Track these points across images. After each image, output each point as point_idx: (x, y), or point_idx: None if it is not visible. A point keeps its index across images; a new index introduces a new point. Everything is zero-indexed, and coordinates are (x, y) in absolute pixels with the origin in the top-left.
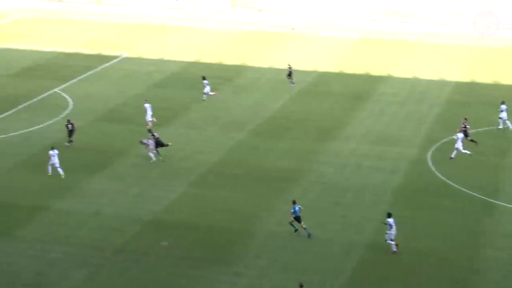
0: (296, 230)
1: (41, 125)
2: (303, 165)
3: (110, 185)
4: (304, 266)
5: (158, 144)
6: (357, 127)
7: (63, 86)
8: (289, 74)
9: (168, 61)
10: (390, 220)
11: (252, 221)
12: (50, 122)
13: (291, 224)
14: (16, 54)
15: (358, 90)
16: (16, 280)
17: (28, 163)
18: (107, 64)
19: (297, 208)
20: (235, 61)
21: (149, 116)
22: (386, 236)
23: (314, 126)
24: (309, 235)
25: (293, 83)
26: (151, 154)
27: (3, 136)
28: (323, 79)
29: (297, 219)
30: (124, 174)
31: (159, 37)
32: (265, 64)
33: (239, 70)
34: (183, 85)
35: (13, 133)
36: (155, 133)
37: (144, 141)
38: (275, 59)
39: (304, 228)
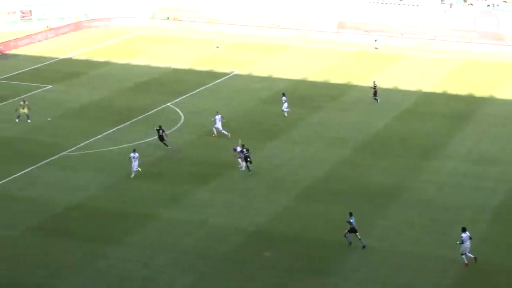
0: (350, 244)
1: (154, 137)
2: (403, 182)
3: (218, 196)
4: (401, 281)
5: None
6: (458, 146)
7: (176, 100)
8: (375, 93)
9: (277, 79)
10: (464, 235)
11: (352, 235)
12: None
13: (345, 236)
14: (134, 69)
15: (461, 111)
16: (125, 284)
17: (140, 174)
18: (218, 81)
19: (353, 220)
20: (341, 80)
21: (219, 126)
22: (461, 250)
23: (416, 144)
24: (363, 246)
25: (378, 102)
26: (240, 160)
27: (118, 147)
28: (427, 99)
29: (353, 230)
30: (231, 186)
31: (269, 55)
32: (370, 84)
33: (344, 88)
34: (290, 102)
35: (126, 144)
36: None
37: (237, 148)
38: (381, 79)
39: (359, 239)
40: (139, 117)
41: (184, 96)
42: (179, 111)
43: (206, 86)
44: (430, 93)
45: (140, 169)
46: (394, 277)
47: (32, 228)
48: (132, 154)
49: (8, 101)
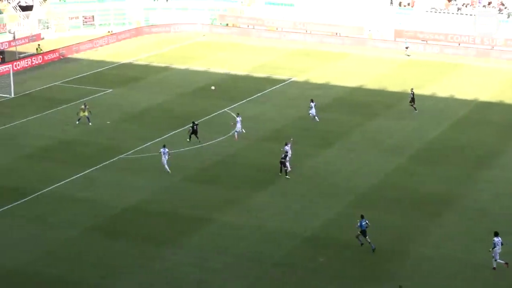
0: (361, 244)
1: (211, 142)
2: (459, 190)
3: (273, 201)
4: None
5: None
6: None
7: (233, 106)
8: (412, 100)
9: (333, 86)
10: (496, 239)
11: (406, 243)
12: (219, 139)
13: (357, 237)
14: (192, 75)
15: None
16: (179, 286)
17: (197, 177)
18: (275, 87)
19: (363, 223)
20: (397, 88)
21: (238, 128)
22: (492, 253)
23: (472, 153)
24: (373, 249)
25: (416, 110)
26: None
27: (175, 150)
28: (483, 108)
29: (363, 233)
30: (286, 191)
31: (327, 62)
32: (426, 92)
33: (400, 97)
34: (345, 110)
35: (184, 148)
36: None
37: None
38: (437, 87)
39: (369, 242)
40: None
41: (241, 102)
42: (235, 116)
43: (263, 92)
44: (486, 102)
45: (169, 171)
46: (447, 285)
47: (90, 229)
48: (162, 150)
49: (69, 104)
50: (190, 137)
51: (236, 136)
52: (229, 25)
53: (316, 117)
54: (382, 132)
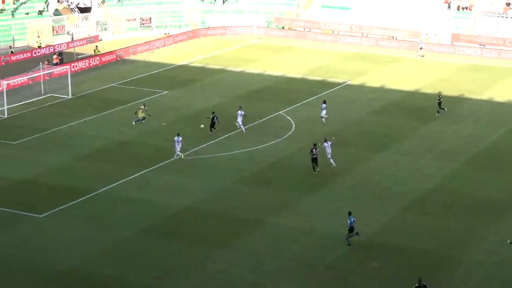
0: (349, 242)
1: (265, 144)
2: None
3: (325, 205)
4: None
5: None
6: None
7: (288, 109)
8: (439, 104)
9: (389, 90)
10: None
11: (460, 248)
12: (274, 142)
13: (347, 238)
14: (247, 77)
15: None
16: None
17: (251, 180)
18: (330, 90)
19: (352, 220)
20: (453, 93)
21: (240, 122)
22: None
23: None
24: (349, 244)
25: (439, 113)
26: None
27: (230, 152)
28: None
29: (351, 229)
30: (339, 195)
31: (383, 66)
32: (483, 97)
33: (456, 101)
34: (400, 114)
35: (238, 151)
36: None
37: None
38: (493, 92)
39: (351, 236)
40: (251, 124)
41: (296, 105)
42: (290, 119)
43: (318, 95)
44: None
45: (182, 155)
46: None
47: (145, 229)
48: (176, 138)
49: (125, 106)
50: (211, 129)
51: (243, 129)
52: (285, 28)
53: (323, 119)
54: (437, 136)
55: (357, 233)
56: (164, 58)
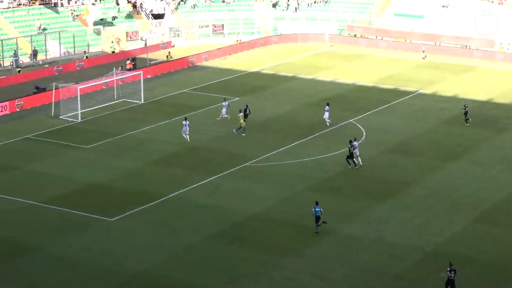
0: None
1: (335, 152)
2: None
3: (395, 214)
4: None
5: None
6: None
7: (359, 117)
8: (465, 114)
9: (461, 99)
10: None
11: None
12: (344, 150)
13: (317, 226)
14: (318, 85)
15: None
16: None
17: (320, 187)
18: (402, 99)
19: (317, 209)
20: None
21: (223, 113)
22: None
23: None
24: (316, 232)
25: (468, 123)
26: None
27: (298, 160)
28: None
29: (317, 219)
30: (409, 204)
31: (455, 75)
32: None
33: None
34: (473, 123)
35: (307, 158)
36: None
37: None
38: None
39: (318, 225)
40: (321, 132)
41: (367, 113)
42: (361, 127)
43: (390, 104)
44: None
45: (188, 139)
46: None
47: (213, 235)
48: (184, 122)
49: (197, 111)
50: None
51: (220, 117)
52: (357, 36)
53: (327, 121)
54: (509, 147)
55: (324, 222)
56: (235, 65)
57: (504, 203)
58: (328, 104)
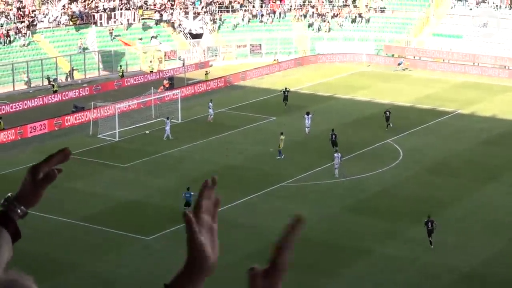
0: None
1: (372, 172)
2: None
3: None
4: None
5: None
6: None
7: (396, 137)
8: (387, 119)
9: (500, 120)
10: None
11: None
12: (381, 170)
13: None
14: (356, 104)
15: None
16: None
17: (357, 207)
18: (439, 119)
19: (187, 195)
20: None
21: (211, 113)
22: None
23: None
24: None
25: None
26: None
27: (335, 180)
28: None
29: (187, 204)
30: (446, 225)
31: (494, 96)
32: None
33: None
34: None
35: (343, 179)
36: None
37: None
38: None
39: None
40: (358, 152)
41: (404, 133)
42: (398, 148)
43: (427, 124)
44: None
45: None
46: None
47: (250, 255)
48: (166, 121)
49: (233, 131)
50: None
51: (210, 118)
52: (394, 56)
53: (307, 129)
54: None
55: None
56: (273, 84)
57: None
58: (308, 113)
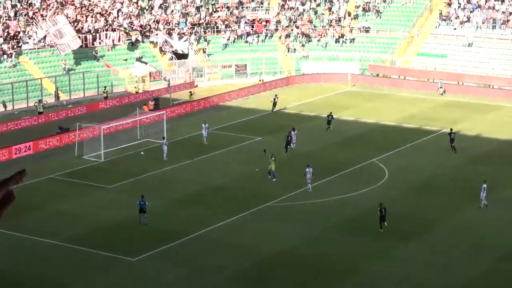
0: (140, 224)
1: (357, 192)
2: None
3: (420, 253)
4: None
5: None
6: None
7: (381, 156)
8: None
9: (485, 138)
10: None
11: None
12: (366, 190)
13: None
14: (341, 124)
15: None
16: None
17: (344, 226)
18: (425, 138)
19: (142, 202)
20: None
21: (204, 134)
22: None
23: None
24: (140, 223)
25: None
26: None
27: (321, 200)
28: None
29: (141, 210)
30: (433, 243)
31: (479, 114)
32: None
33: None
34: (497, 162)
35: (330, 198)
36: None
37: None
38: None
39: (141, 218)
40: (344, 172)
41: (390, 153)
42: (384, 167)
43: (413, 143)
44: None
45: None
46: None
47: (237, 274)
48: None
49: (219, 151)
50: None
51: (204, 140)
52: (379, 75)
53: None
54: None
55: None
56: (258, 105)
57: None
58: (293, 129)
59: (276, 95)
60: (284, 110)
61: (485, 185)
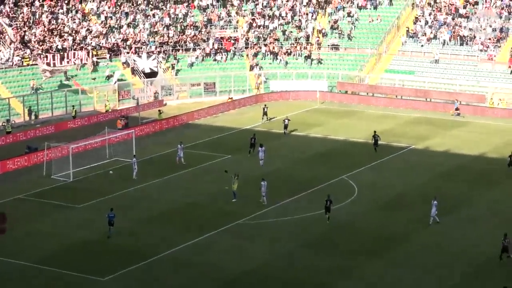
0: (108, 237)
1: (322, 211)
2: None
3: (388, 270)
4: None
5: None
6: None
7: (350, 173)
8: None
9: (453, 154)
10: None
11: None
12: (336, 206)
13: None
14: (311, 141)
15: None
16: None
17: (314, 243)
18: (394, 155)
19: (111, 215)
20: None
21: (180, 154)
22: None
23: None
24: (109, 237)
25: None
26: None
27: (292, 217)
28: None
29: (110, 223)
30: (402, 260)
31: (446, 131)
32: None
33: None
34: (466, 178)
35: (299, 215)
36: None
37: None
38: None
39: (110, 231)
40: (314, 189)
41: (359, 169)
42: (353, 184)
43: (382, 159)
44: None
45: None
46: None
47: None
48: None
49: (188, 170)
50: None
51: (177, 160)
52: (348, 92)
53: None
54: (503, 201)
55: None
56: (227, 122)
57: (497, 257)
58: (261, 146)
59: (265, 105)
60: (273, 119)
61: (435, 202)
